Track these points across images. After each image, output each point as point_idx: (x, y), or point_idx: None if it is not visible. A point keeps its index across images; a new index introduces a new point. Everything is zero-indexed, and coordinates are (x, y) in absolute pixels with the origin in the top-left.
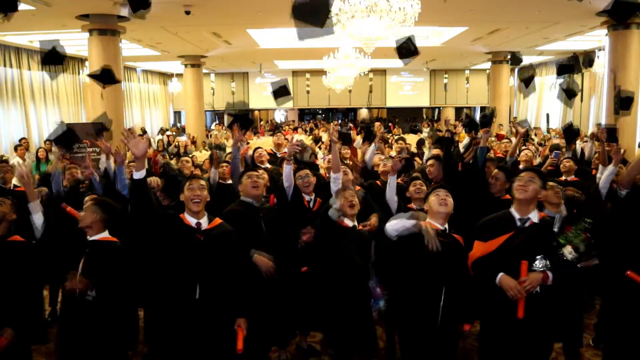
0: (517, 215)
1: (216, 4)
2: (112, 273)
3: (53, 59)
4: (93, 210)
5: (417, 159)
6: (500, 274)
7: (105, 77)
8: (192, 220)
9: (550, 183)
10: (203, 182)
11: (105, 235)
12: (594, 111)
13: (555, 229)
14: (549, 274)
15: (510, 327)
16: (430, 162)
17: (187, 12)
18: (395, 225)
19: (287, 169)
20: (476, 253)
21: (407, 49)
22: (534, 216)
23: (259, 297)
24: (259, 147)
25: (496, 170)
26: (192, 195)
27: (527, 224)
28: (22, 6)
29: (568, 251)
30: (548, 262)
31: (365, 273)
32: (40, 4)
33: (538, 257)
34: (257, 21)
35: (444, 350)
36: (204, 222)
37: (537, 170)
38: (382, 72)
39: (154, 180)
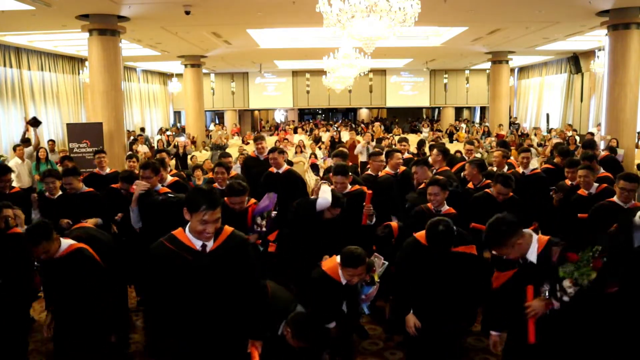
0: None
1: (216, 4)
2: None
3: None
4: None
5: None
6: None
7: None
8: (196, 243)
9: None
10: (219, 214)
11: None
12: (594, 111)
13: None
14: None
15: (528, 352)
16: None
17: (187, 12)
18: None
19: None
20: (495, 280)
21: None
22: (532, 255)
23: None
24: (273, 150)
25: (469, 167)
26: (204, 229)
27: (528, 262)
28: (22, 6)
29: (567, 285)
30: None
31: None
32: (40, 4)
33: (545, 281)
34: (257, 21)
35: (445, 352)
36: (210, 242)
37: (504, 224)
38: (382, 72)
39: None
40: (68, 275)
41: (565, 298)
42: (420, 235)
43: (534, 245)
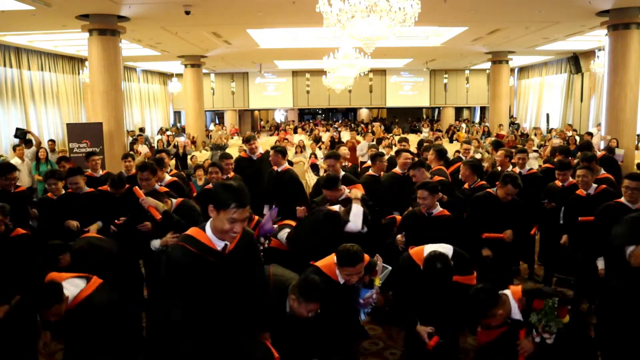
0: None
1: (216, 4)
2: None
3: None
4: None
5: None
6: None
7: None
8: (218, 244)
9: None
10: (248, 213)
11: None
12: (594, 111)
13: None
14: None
15: None
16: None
17: (187, 12)
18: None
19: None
20: (482, 336)
21: None
22: (515, 312)
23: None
24: (273, 148)
25: (463, 168)
26: (231, 228)
27: (514, 320)
28: (22, 6)
29: (542, 330)
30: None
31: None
32: (40, 4)
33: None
34: (257, 21)
35: (444, 352)
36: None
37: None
38: (382, 72)
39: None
40: (77, 326)
41: (548, 338)
42: (416, 253)
43: (514, 303)
